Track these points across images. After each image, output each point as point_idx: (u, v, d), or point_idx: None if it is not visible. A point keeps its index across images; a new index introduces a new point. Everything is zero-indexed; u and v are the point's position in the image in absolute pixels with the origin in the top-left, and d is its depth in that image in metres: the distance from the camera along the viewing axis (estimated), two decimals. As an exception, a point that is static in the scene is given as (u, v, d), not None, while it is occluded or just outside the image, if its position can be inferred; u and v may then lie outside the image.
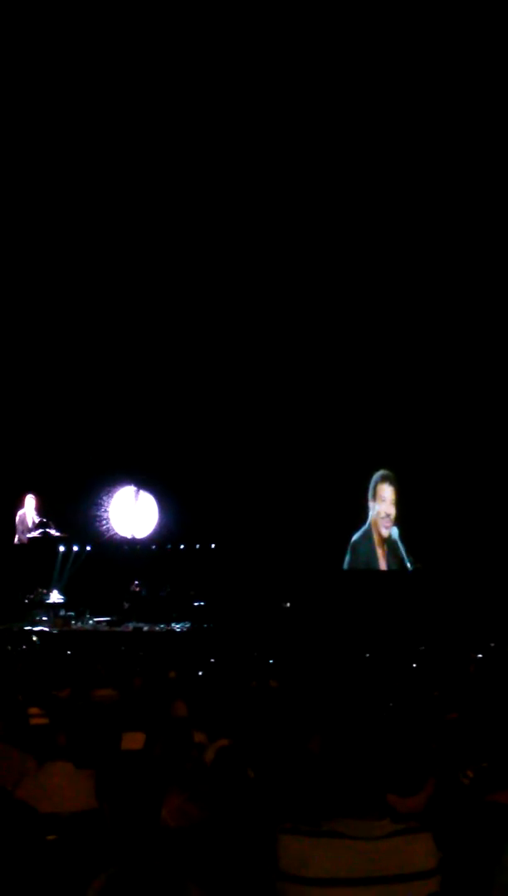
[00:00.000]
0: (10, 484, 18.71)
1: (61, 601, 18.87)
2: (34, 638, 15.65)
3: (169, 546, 20.34)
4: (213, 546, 19.76)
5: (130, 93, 17.21)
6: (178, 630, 17.97)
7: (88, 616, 18.77)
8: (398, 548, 19.25)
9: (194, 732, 5.20)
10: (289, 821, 2.65)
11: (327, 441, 19.16)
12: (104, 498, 20.86)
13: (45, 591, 18.66)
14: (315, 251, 18.92)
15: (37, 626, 17.50)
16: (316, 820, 2.62)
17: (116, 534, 20.98)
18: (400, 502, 19.60)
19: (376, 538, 19.70)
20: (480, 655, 12.41)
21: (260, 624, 16.86)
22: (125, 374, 19.85)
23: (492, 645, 14.05)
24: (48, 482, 18.99)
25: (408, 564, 19.13)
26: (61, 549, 18.97)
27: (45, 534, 18.64)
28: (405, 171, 17.77)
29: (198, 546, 19.89)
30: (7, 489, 18.68)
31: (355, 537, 19.79)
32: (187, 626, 18.20)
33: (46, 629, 17.19)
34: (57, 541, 18.85)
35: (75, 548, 19.29)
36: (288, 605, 18.54)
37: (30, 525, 18.68)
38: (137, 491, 21.05)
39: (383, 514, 19.63)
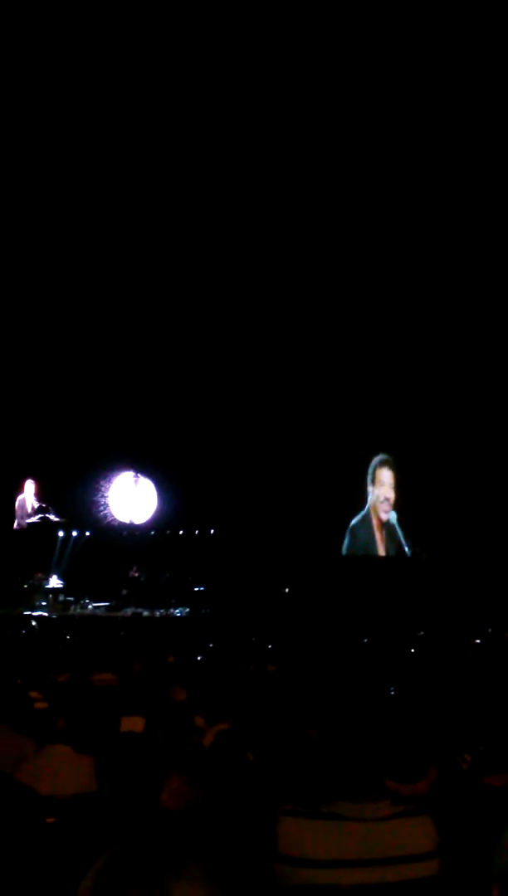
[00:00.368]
0: (10, 469, 18.71)
1: (60, 586, 18.89)
2: (33, 623, 15.68)
3: (168, 531, 20.36)
4: (212, 531, 19.78)
5: (130, 93, 17.15)
6: (177, 615, 18.01)
7: (87, 601, 18.80)
8: (396, 532, 19.27)
9: (194, 717, 5.22)
10: (288, 803, 2.66)
11: (325, 425, 19.17)
12: (104, 483, 20.87)
13: (44, 576, 18.69)
14: (313, 240, 18.89)
15: (36, 610, 17.53)
16: (315, 802, 2.62)
17: (115, 519, 21.00)
18: (399, 487, 19.61)
19: (375, 523, 19.72)
20: (478, 641, 12.43)
21: (259, 609, 16.90)
22: (125, 360, 19.83)
23: (490, 630, 14.08)
24: (48, 467, 18.99)
25: (406, 549, 19.15)
26: (60, 534, 18.99)
27: (44, 519, 18.65)
28: (403, 165, 17.73)
29: (197, 531, 19.92)
30: (7, 474, 18.68)
31: (353, 521, 19.82)
32: (186, 611, 18.23)
33: (45, 614, 17.22)
34: (56, 526, 18.87)
35: (74, 533, 19.31)
36: (287, 590, 18.57)
37: (29, 510, 18.68)
38: (137, 476, 21.05)
39: (382, 498, 19.65)
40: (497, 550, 17.67)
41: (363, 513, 19.86)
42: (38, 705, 6.26)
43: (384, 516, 19.49)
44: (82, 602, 18.74)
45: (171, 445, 19.70)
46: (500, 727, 4.17)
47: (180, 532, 20.15)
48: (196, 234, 18.99)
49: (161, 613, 18.09)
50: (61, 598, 18.56)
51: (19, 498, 18.60)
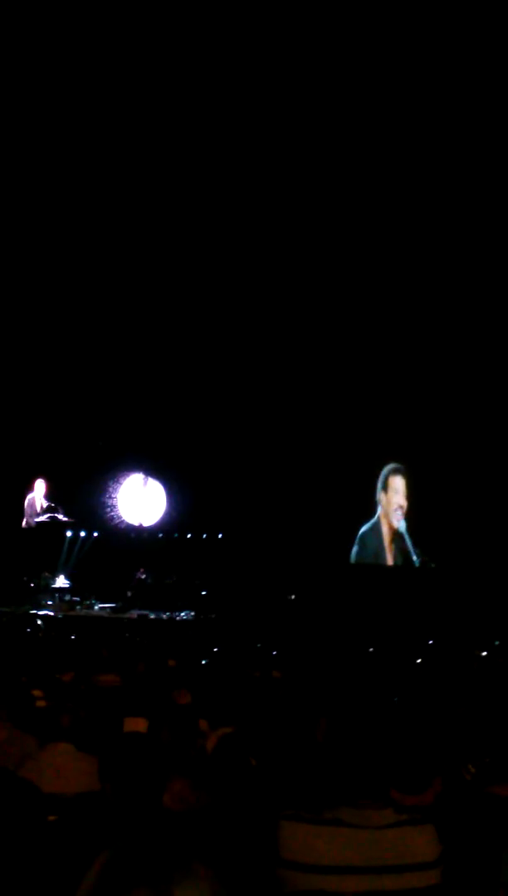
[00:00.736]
0: (21, 468, 18.74)
1: (67, 586, 18.91)
2: (39, 622, 15.70)
3: (176, 534, 20.36)
4: (220, 536, 19.78)
5: (130, 92, 17.18)
6: (182, 618, 18.00)
7: (93, 602, 18.81)
8: (404, 541, 19.24)
9: (198, 720, 5.21)
10: (291, 808, 2.65)
11: (335, 432, 19.15)
12: (113, 485, 20.89)
13: (50, 575, 18.71)
14: (325, 243, 18.88)
15: (42, 610, 17.54)
16: (318, 808, 2.61)
17: (123, 521, 21.01)
18: (409, 496, 19.58)
19: (385, 531, 19.67)
20: (484, 653, 12.40)
21: (265, 615, 16.88)
22: (136, 363, 19.85)
23: (497, 643, 14.04)
24: (58, 467, 19.02)
25: (414, 557, 19.11)
26: (68, 534, 19.01)
27: (52, 518, 18.67)
28: (410, 161, 17.70)
29: (205, 535, 19.92)
30: (17, 473, 18.72)
31: (363, 529, 19.77)
32: (192, 614, 18.22)
33: (51, 613, 17.24)
34: (64, 526, 18.89)
35: (82, 533, 19.33)
36: (293, 597, 18.55)
37: (38, 509, 18.71)
38: (146, 478, 21.07)
39: (395, 507, 19.59)
40: (505, 562, 17.62)
41: (372, 521, 19.82)
42: (40, 703, 6.27)
43: (396, 524, 19.44)
44: (88, 602, 18.76)
45: (181, 449, 19.72)
46: (505, 738, 4.16)
47: (188, 535, 20.15)
48: (207, 238, 19.01)
49: (167, 616, 18.09)
50: (67, 598, 18.58)
51: (29, 497, 18.64)
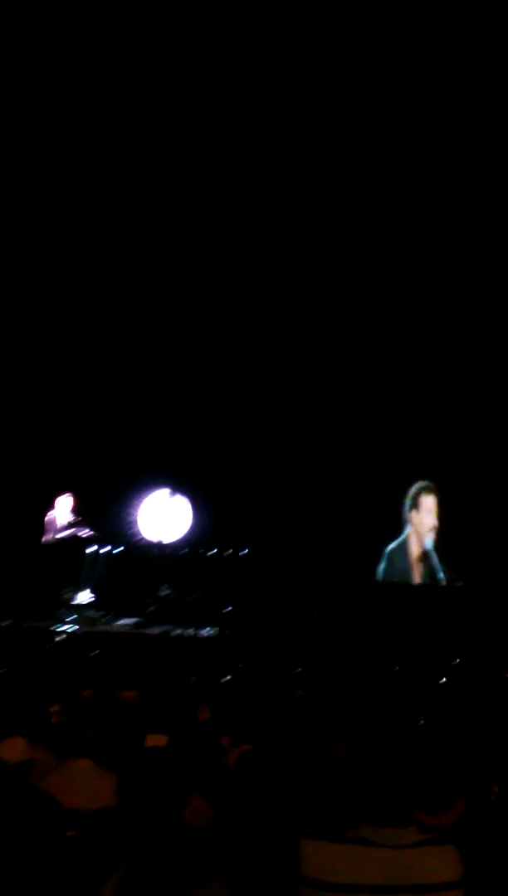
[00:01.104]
0: (44, 483, 18.80)
1: (89, 601, 18.90)
2: (60, 637, 15.70)
3: (200, 550, 20.35)
4: (244, 552, 19.75)
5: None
6: (205, 635, 17.96)
7: (114, 617, 18.79)
8: (430, 558, 19.12)
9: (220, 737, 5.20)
10: (312, 826, 2.63)
11: (363, 449, 19.09)
12: (137, 500, 20.91)
13: (72, 590, 18.70)
14: (356, 259, 18.89)
15: (63, 625, 17.55)
16: (340, 826, 2.59)
17: (147, 536, 21.02)
18: (440, 514, 19.43)
19: (413, 549, 19.54)
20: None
21: (288, 632, 16.82)
22: (164, 379, 19.90)
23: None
24: (82, 482, 19.05)
25: (441, 575, 18.99)
26: (91, 549, 19.02)
27: (75, 534, 18.70)
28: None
29: (229, 552, 19.89)
30: (41, 488, 18.78)
31: (390, 547, 19.64)
32: (215, 631, 18.17)
33: (73, 629, 17.24)
34: (87, 541, 18.90)
35: (105, 549, 19.33)
36: (315, 614, 18.47)
37: (61, 525, 18.74)
38: (171, 493, 21.08)
39: (429, 526, 19.44)
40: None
41: (400, 539, 19.70)
42: (56, 718, 6.28)
43: (426, 544, 19.32)
44: (110, 618, 18.74)
45: (206, 465, 19.72)
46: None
47: (212, 551, 20.14)
48: (232, 251, 19.06)
49: (189, 633, 18.05)
50: (89, 613, 18.56)
51: (51, 512, 18.67)
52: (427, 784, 3.53)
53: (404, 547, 19.59)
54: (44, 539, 18.60)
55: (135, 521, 20.86)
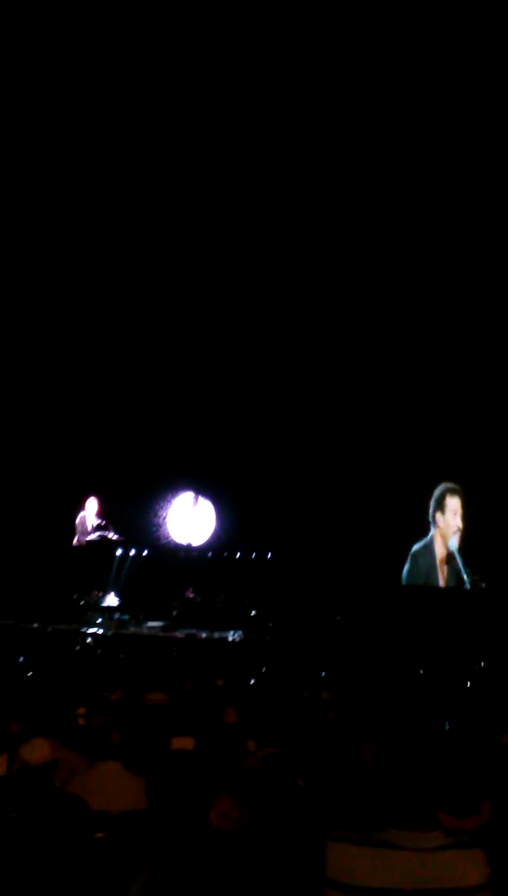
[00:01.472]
0: (72, 486, 18.91)
1: (116, 604, 18.99)
2: (88, 640, 15.77)
3: (225, 553, 20.38)
4: (269, 555, 19.76)
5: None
6: (230, 638, 17.99)
7: (142, 620, 18.87)
8: (455, 560, 19.04)
9: (246, 740, 5.20)
10: (338, 828, 2.63)
11: (387, 452, 19.05)
12: (163, 503, 20.98)
13: (100, 593, 18.80)
14: (382, 263, 18.86)
15: (91, 628, 17.64)
16: (366, 829, 2.59)
17: (173, 539, 21.08)
18: (464, 516, 19.36)
19: (438, 551, 19.47)
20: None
21: (314, 635, 16.81)
22: (189, 383, 19.96)
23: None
24: (109, 485, 19.16)
25: (465, 577, 18.91)
26: (118, 552, 19.11)
27: (103, 537, 18.80)
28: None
29: (254, 555, 19.90)
30: (68, 491, 18.89)
31: (415, 548, 19.57)
32: (240, 634, 18.20)
33: (101, 631, 17.32)
34: (114, 544, 19.00)
35: (132, 552, 19.42)
36: (339, 617, 18.44)
37: (89, 528, 18.84)
38: (196, 497, 21.12)
39: (454, 528, 19.36)
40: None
41: (425, 540, 19.63)
42: (82, 721, 6.31)
43: (451, 546, 19.24)
44: (137, 621, 18.82)
45: (231, 468, 19.75)
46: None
47: (237, 555, 20.16)
48: (255, 256, 19.07)
49: (216, 636, 18.09)
50: (117, 616, 18.65)
51: (80, 515, 18.77)
52: (453, 787, 3.53)
53: (428, 548, 19.51)
54: (73, 542, 18.72)
55: (161, 525, 20.93)
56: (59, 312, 19.39)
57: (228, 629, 18.38)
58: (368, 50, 16.52)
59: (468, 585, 18.96)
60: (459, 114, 17.04)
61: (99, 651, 13.71)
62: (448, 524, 19.39)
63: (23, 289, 19.28)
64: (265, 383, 19.68)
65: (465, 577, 18.86)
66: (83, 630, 17.17)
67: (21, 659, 10.66)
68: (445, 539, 19.42)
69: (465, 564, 18.91)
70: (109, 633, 17.38)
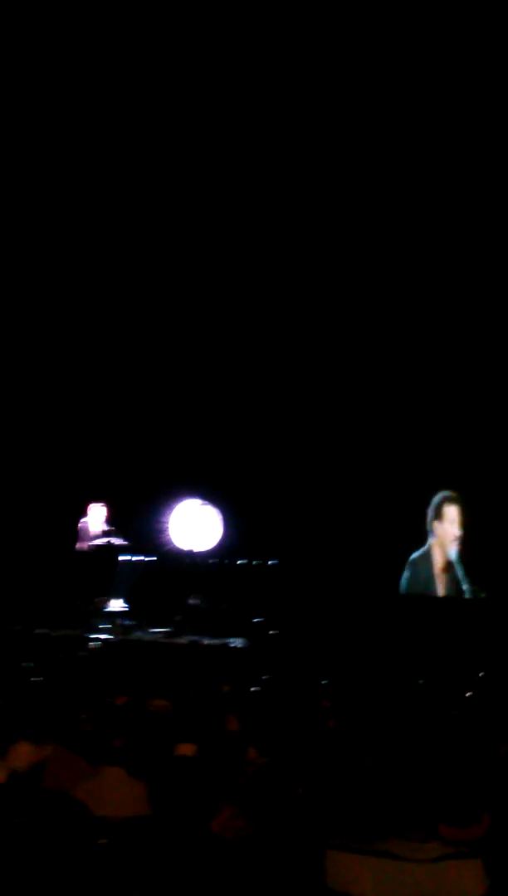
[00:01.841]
0: (76, 491, 18.94)
1: (121, 610, 19.00)
2: (92, 645, 15.80)
3: (229, 560, 20.39)
4: (272, 563, 19.77)
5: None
6: (234, 645, 18.00)
7: (146, 626, 18.87)
8: (454, 569, 19.02)
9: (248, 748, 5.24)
10: (338, 837, 2.67)
11: (388, 460, 19.05)
12: (168, 509, 21.01)
13: (105, 599, 18.80)
14: (377, 265, 18.88)
15: (96, 633, 17.65)
16: (366, 838, 2.63)
17: (177, 545, 21.10)
18: (463, 524, 19.31)
19: (437, 560, 19.43)
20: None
21: (315, 643, 16.82)
22: (193, 388, 20.00)
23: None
24: (114, 491, 19.18)
25: (465, 587, 18.89)
26: (123, 558, 19.12)
27: (108, 542, 18.82)
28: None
29: (258, 562, 19.92)
30: (73, 496, 18.92)
31: (414, 555, 19.53)
32: (243, 641, 18.20)
33: (105, 637, 17.34)
34: (119, 550, 19.01)
35: (137, 558, 19.43)
36: (344, 626, 18.44)
37: (93, 533, 18.87)
38: (201, 503, 21.15)
39: (451, 537, 19.31)
40: None
41: (423, 549, 19.59)
42: (92, 727, 6.35)
43: (451, 555, 19.20)
44: (142, 627, 18.83)
45: (236, 474, 19.77)
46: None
47: (241, 561, 20.17)
48: (258, 261, 19.12)
49: (219, 643, 18.10)
50: (121, 621, 18.66)
51: (84, 520, 18.79)
52: (453, 797, 3.56)
53: (427, 557, 19.48)
54: (77, 547, 18.74)
55: (166, 531, 20.96)
56: (67, 321, 19.46)
57: (231, 636, 18.41)
58: (368, 50, 16.56)
59: (468, 595, 18.92)
60: (459, 114, 17.07)
61: (103, 657, 13.75)
62: (446, 533, 19.34)
63: (28, 293, 19.35)
64: (267, 392, 19.72)
65: (465, 586, 18.84)
66: (88, 635, 17.21)
67: (26, 664, 10.71)
68: (444, 548, 19.36)
69: (466, 573, 18.89)
70: (114, 638, 17.41)
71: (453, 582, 19.08)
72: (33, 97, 17.22)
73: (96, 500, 18.69)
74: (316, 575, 18.87)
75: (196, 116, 17.79)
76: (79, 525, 18.79)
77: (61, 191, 18.48)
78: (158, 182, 18.48)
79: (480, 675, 13.58)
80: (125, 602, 19.04)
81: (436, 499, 19.70)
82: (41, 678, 9.28)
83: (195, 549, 20.94)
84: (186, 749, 5.49)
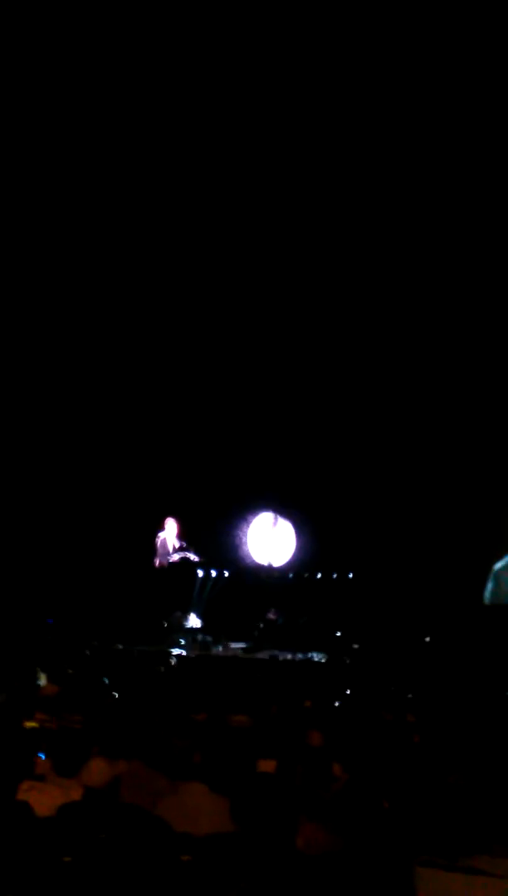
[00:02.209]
0: (153, 508, 19.08)
1: (199, 626, 19.05)
2: (172, 661, 15.84)
3: (306, 574, 20.31)
4: (350, 575, 19.64)
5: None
6: (315, 660, 17.90)
7: (224, 641, 18.89)
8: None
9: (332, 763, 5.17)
10: (425, 854, 2.61)
11: (466, 468, 18.81)
12: (243, 524, 21.04)
13: (183, 615, 18.87)
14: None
15: (175, 649, 17.71)
16: (454, 855, 2.56)
17: (253, 560, 21.11)
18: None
19: (522, 568, 19.08)
20: None
21: (399, 657, 16.63)
22: (268, 406, 20.03)
23: None
24: (189, 507, 19.27)
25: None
26: (200, 573, 19.19)
27: (184, 558, 18.91)
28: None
29: (335, 575, 19.80)
30: (149, 513, 19.06)
31: (498, 565, 19.21)
32: (324, 656, 18.09)
33: (184, 653, 17.39)
34: (196, 565, 19.08)
35: (214, 573, 19.48)
36: (428, 639, 18.21)
37: (170, 549, 18.97)
38: (276, 518, 21.13)
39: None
40: None
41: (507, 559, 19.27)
42: (172, 744, 6.32)
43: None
44: (220, 642, 18.85)
45: (310, 488, 19.74)
46: None
47: (318, 575, 20.08)
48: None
49: (299, 657, 18.02)
50: (200, 637, 18.71)
51: (160, 536, 18.90)
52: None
53: (512, 565, 19.13)
54: (155, 563, 18.86)
55: (241, 546, 20.98)
56: (141, 340, 19.68)
57: (311, 650, 18.32)
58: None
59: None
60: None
61: (184, 672, 13.76)
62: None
63: (98, 316, 19.59)
64: (344, 406, 19.67)
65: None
66: (167, 651, 17.27)
67: (106, 681, 10.75)
68: (529, 556, 19.01)
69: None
70: (193, 654, 17.44)
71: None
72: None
73: (171, 516, 18.81)
74: (396, 587, 18.69)
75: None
76: (157, 542, 18.92)
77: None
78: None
79: None
80: (203, 617, 19.10)
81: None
82: (118, 694, 9.30)
83: (273, 564, 20.93)
84: (268, 765, 5.43)
